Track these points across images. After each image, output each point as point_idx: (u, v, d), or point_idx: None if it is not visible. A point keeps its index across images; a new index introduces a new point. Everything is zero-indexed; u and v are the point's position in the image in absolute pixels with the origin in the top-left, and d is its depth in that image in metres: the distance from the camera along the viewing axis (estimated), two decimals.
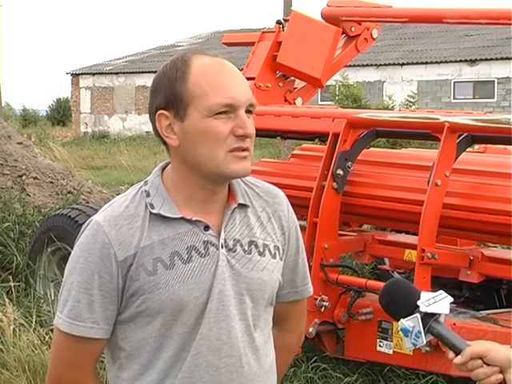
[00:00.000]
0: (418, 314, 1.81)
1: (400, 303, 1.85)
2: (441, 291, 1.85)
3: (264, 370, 1.94)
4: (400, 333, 1.85)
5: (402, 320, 1.83)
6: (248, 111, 1.85)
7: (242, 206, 1.93)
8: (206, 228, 1.87)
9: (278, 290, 1.98)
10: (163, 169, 1.94)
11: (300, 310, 2.15)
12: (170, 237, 1.85)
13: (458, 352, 1.79)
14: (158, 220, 1.86)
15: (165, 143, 1.89)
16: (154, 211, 1.86)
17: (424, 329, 1.81)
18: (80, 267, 1.85)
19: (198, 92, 1.81)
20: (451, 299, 1.84)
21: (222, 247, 1.87)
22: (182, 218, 1.86)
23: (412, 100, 24.63)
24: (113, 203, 1.90)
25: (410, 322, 1.82)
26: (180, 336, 1.85)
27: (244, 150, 1.83)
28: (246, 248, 1.90)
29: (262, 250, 1.92)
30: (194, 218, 1.86)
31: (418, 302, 1.81)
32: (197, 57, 1.86)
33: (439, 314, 1.82)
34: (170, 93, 1.84)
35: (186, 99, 1.82)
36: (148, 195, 1.88)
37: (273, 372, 1.99)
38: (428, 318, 1.81)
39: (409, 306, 1.82)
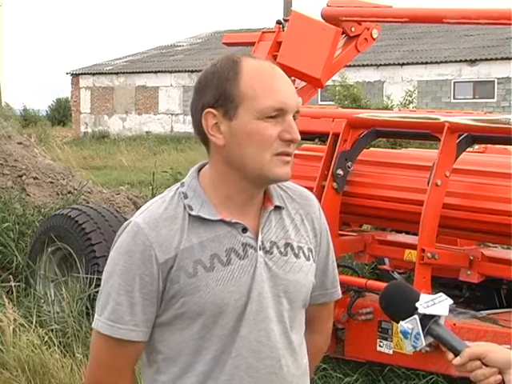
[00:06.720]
0: (416, 316, 1.81)
1: (399, 305, 1.85)
2: (440, 293, 1.85)
3: (301, 371, 1.95)
4: (400, 335, 1.85)
5: (401, 322, 1.83)
6: (293, 117, 1.86)
7: (278, 208, 1.93)
8: (244, 230, 1.87)
9: None
10: (199, 170, 1.93)
11: (328, 312, 2.16)
12: (209, 239, 1.85)
13: (457, 353, 1.79)
14: (197, 222, 1.85)
15: (205, 142, 1.89)
16: (193, 213, 1.85)
17: (423, 331, 1.80)
18: (120, 269, 1.84)
19: (251, 93, 1.82)
20: (451, 301, 1.84)
21: (260, 249, 1.87)
22: (220, 220, 1.86)
23: (409, 98, 24.62)
24: (149, 206, 1.90)
25: (409, 324, 1.81)
26: (220, 338, 1.84)
27: (288, 154, 1.84)
28: (283, 250, 1.90)
29: (297, 251, 1.93)
30: (232, 220, 1.86)
31: (417, 304, 1.81)
32: (247, 59, 1.87)
33: (438, 316, 1.82)
34: (220, 92, 1.83)
35: (237, 99, 1.82)
36: (186, 197, 1.88)
37: (307, 374, 2.00)
38: (427, 319, 1.81)
39: (408, 308, 1.82)
